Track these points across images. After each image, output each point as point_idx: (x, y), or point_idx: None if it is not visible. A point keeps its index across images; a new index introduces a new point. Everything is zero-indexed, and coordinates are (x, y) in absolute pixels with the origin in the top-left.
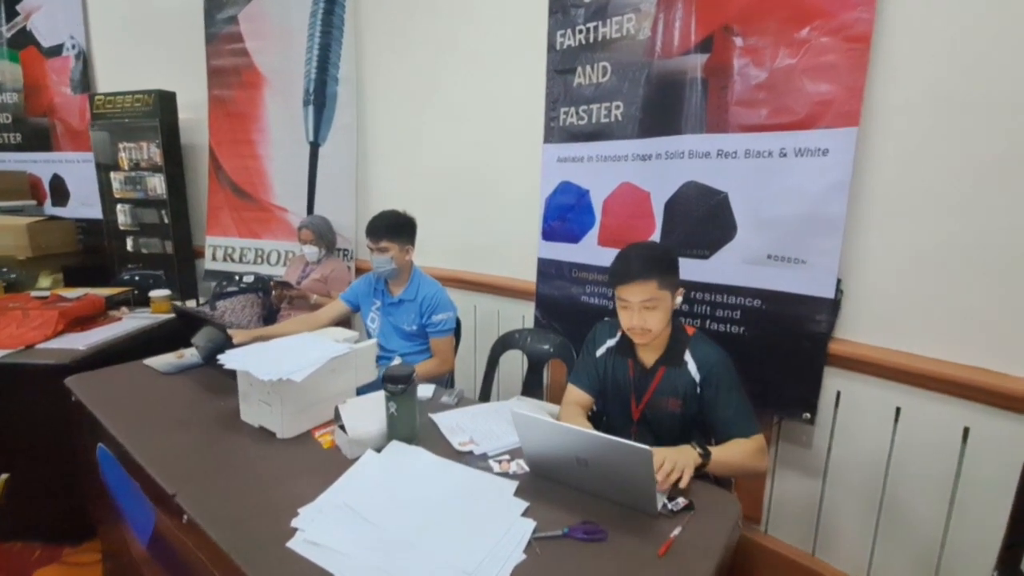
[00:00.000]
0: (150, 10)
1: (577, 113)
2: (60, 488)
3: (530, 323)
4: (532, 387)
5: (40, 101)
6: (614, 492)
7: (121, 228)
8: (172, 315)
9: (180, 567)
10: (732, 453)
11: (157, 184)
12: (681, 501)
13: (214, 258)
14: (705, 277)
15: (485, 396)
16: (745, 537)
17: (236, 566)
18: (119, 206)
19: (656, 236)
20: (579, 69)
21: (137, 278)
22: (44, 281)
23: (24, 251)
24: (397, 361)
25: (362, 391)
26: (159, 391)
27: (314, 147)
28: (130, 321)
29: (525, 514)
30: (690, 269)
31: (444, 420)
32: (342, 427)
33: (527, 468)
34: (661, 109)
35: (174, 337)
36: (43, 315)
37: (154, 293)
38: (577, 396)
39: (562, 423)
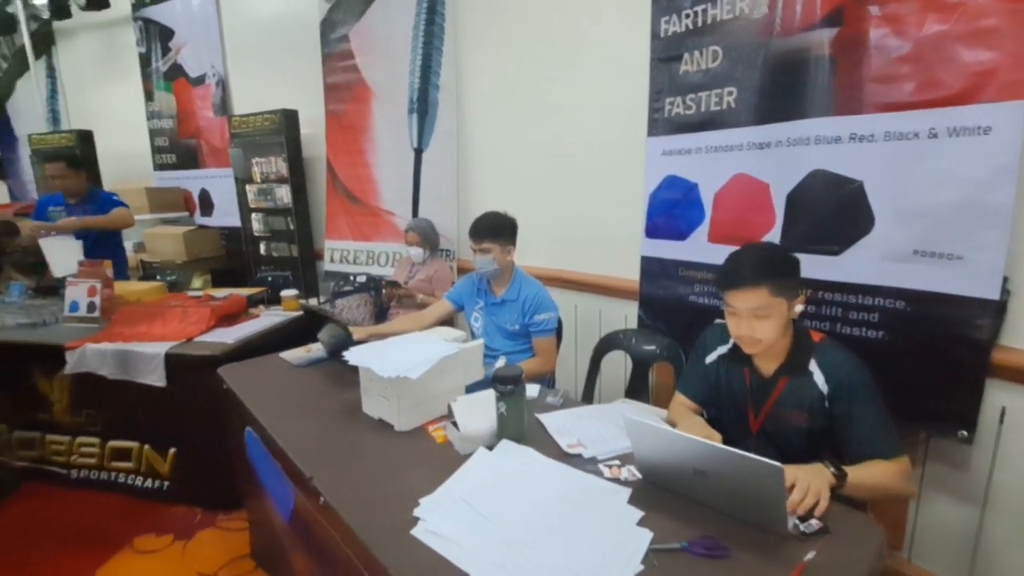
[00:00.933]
0: (274, 37)
1: (684, 102)
2: (215, 463)
3: (633, 323)
4: (636, 390)
5: (189, 125)
6: (737, 508)
7: (255, 234)
8: (300, 312)
9: (317, 543)
10: (872, 476)
11: (284, 194)
12: (814, 523)
13: (332, 260)
14: (835, 276)
15: (587, 397)
16: (887, 565)
17: (367, 549)
18: (253, 215)
19: (776, 231)
20: (686, 56)
21: (269, 279)
22: (196, 282)
23: (181, 256)
24: (502, 361)
25: (470, 389)
26: (293, 382)
27: (418, 153)
28: (267, 318)
29: (640, 524)
30: (817, 267)
31: (551, 421)
32: (454, 423)
33: (639, 475)
34: (781, 92)
35: (302, 332)
36: (199, 312)
37: (284, 293)
38: (685, 406)
39: (680, 432)
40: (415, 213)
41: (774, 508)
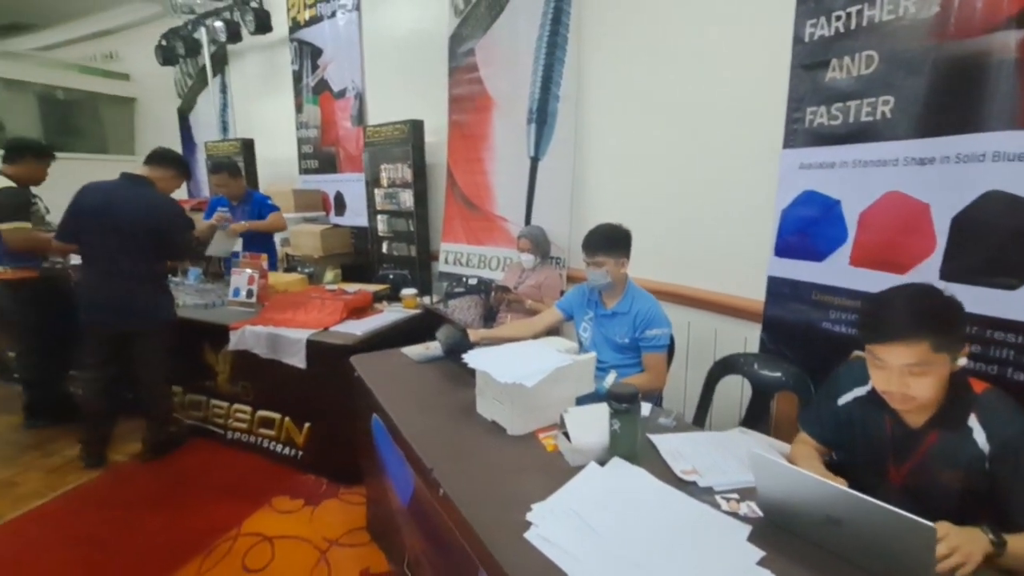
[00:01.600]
0: (406, 53)
1: (829, 112)
2: (342, 440)
3: (753, 346)
4: (755, 419)
5: (330, 134)
6: (874, 563)
7: (380, 235)
8: (418, 311)
9: (433, 530)
10: None
11: (407, 198)
12: None
13: (446, 261)
14: (1010, 313)
15: (699, 421)
16: None
17: (484, 545)
18: (379, 216)
19: (936, 258)
20: (834, 62)
21: (390, 276)
22: (328, 275)
23: (318, 251)
24: (613, 375)
25: (580, 401)
26: (413, 376)
27: (534, 162)
28: (389, 314)
29: (760, 564)
30: (987, 302)
31: (663, 443)
32: (566, 434)
33: (760, 513)
34: (951, 102)
35: (420, 330)
36: (334, 304)
37: (405, 291)
38: (810, 446)
39: (815, 475)
40: (528, 220)
41: (920, 570)
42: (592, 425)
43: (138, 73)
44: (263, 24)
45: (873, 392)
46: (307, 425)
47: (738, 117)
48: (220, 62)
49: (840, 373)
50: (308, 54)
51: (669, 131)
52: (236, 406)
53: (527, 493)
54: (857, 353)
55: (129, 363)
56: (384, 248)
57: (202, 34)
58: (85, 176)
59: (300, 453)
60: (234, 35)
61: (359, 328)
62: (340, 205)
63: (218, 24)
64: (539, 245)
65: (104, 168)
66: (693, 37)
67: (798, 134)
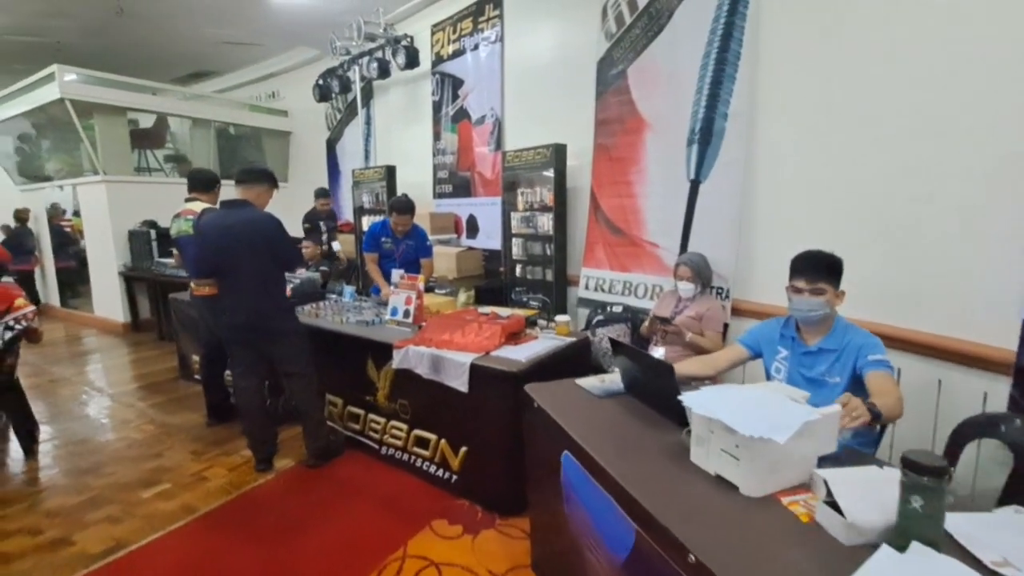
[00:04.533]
0: (549, 79)
1: None
2: (500, 468)
3: (995, 403)
4: (1017, 494)
5: (466, 159)
6: None
7: (514, 258)
8: (572, 338)
9: None
10: None
11: (546, 222)
12: None
13: (586, 287)
14: None
15: None
16: None
17: None
18: (514, 240)
19: None
20: None
21: (531, 301)
22: (462, 296)
23: (453, 272)
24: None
25: (822, 462)
26: (598, 411)
27: (694, 184)
28: (545, 340)
29: None
30: None
31: (953, 523)
32: (830, 504)
33: None
34: None
35: (578, 357)
36: (491, 328)
37: (559, 318)
38: None
39: None
40: (684, 247)
41: None
42: (865, 494)
43: (294, 109)
44: (412, 61)
45: None
46: (464, 449)
47: (972, 134)
48: (366, 96)
49: None
50: (449, 85)
51: (874, 150)
52: (393, 423)
53: (803, 572)
54: None
55: (277, 376)
56: (518, 271)
57: (355, 72)
58: None
59: (454, 477)
60: (384, 72)
61: (520, 354)
62: (472, 228)
63: (371, 63)
64: (700, 273)
65: None
66: (908, 43)
67: None
